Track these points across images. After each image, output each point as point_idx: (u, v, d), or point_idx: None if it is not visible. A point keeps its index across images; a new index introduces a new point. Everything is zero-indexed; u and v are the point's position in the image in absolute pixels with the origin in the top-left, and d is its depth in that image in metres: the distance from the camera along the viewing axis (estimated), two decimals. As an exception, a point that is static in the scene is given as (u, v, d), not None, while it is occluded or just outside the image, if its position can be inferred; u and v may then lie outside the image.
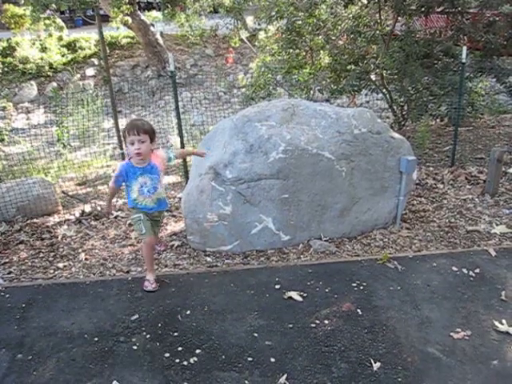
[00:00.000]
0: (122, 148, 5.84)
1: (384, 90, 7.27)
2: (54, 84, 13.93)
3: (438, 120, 7.90)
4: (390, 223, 4.50)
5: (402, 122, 7.48)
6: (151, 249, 3.61)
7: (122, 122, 6.43)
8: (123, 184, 3.44)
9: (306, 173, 4.00)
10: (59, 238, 4.64)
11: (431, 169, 6.07)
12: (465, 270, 3.67)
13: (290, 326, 3.05)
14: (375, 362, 2.70)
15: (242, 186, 3.90)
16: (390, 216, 4.46)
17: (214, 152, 4.08)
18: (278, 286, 3.48)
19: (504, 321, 3.07)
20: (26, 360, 2.83)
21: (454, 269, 3.70)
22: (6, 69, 13.40)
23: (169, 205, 3.92)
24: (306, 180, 4.01)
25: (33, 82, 13.67)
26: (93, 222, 4.97)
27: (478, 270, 3.69)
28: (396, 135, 4.44)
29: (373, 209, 4.34)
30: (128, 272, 3.90)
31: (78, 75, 14.45)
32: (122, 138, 3.47)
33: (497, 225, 4.56)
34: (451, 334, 2.96)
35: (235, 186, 3.90)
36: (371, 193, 4.29)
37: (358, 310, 3.19)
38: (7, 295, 3.56)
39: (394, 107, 7.47)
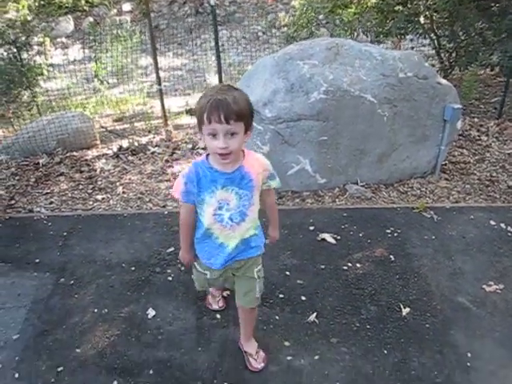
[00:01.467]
0: (159, 83, 5.80)
1: (432, 35, 6.88)
2: (91, 19, 13.74)
3: (487, 69, 7.48)
4: (429, 173, 4.39)
5: (449, 70, 7.11)
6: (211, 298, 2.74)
7: (160, 60, 6.34)
8: (193, 202, 1.99)
9: (347, 115, 3.89)
10: (97, 171, 4.74)
11: (476, 120, 5.83)
12: (503, 225, 3.59)
13: (322, 266, 3.08)
14: (404, 308, 2.72)
15: (281, 126, 3.83)
16: (429, 165, 4.34)
17: (254, 89, 3.99)
18: (311, 228, 3.50)
19: (539, 279, 3.02)
20: (68, 284, 2.98)
21: (492, 223, 3.62)
22: (42, 1, 13.25)
23: (263, 247, 2.18)
24: (346, 123, 3.91)
25: (70, 17, 13.53)
26: (130, 157, 5.03)
27: (516, 225, 3.60)
28: (443, 81, 4.24)
29: (412, 157, 4.23)
30: (164, 206, 3.97)
31: (115, 10, 14.20)
32: (197, 122, 1.83)
33: (540, 182, 4.40)
34: (483, 286, 2.94)
35: (274, 125, 3.84)
36: (412, 140, 4.17)
37: (391, 256, 3.18)
38: (50, 223, 3.70)
39: (442, 54, 7.10)
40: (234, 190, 1.91)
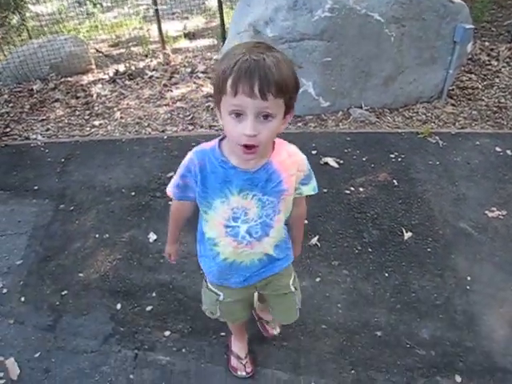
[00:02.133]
0: (155, 3, 5.50)
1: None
2: None
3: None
4: (435, 97, 4.25)
5: (461, -10, 6.74)
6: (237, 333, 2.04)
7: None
8: (191, 199, 1.46)
9: (352, 35, 3.70)
10: (94, 96, 4.60)
11: (487, 44, 5.57)
12: (509, 152, 3.52)
13: (325, 190, 3.04)
14: (406, 232, 2.71)
15: (283, 46, 3.65)
16: (436, 89, 4.19)
17: (255, 8, 3.78)
18: (314, 152, 3.43)
19: (542, 204, 3.00)
20: (68, 210, 2.96)
21: (498, 149, 3.54)
22: None
23: (291, 259, 1.66)
24: (351, 43, 3.73)
25: None
26: (127, 82, 4.87)
27: (522, 153, 3.54)
28: (455, -1, 4.00)
29: (419, 80, 4.07)
30: (163, 131, 3.89)
31: None
32: (214, 91, 1.24)
33: (550, 107, 4.27)
34: (486, 212, 2.92)
35: (276, 45, 3.63)
36: (419, 63, 3.99)
37: (394, 181, 3.14)
38: (47, 150, 3.63)
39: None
40: (256, 195, 1.35)
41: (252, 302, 1.77)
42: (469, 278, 2.45)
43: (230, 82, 1.12)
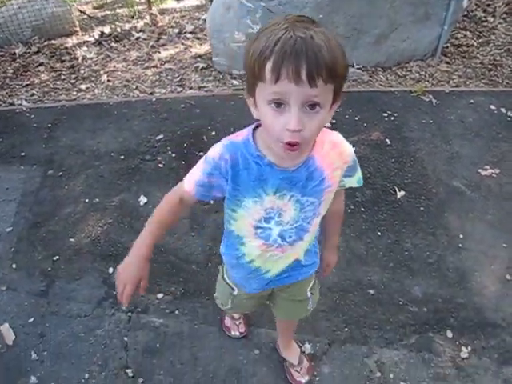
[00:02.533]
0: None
1: None
2: None
3: None
4: (429, 55, 4.16)
5: None
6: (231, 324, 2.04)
7: None
8: (216, 199, 1.25)
9: (344, -9, 3.57)
10: (79, 59, 4.47)
11: (483, -1, 5.45)
12: (503, 110, 3.48)
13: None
14: (399, 191, 2.70)
15: (273, 3, 3.52)
16: (430, 47, 4.10)
17: (243, -38, 3.63)
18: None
19: (535, 162, 2.99)
20: (56, 176, 2.91)
21: (492, 107, 3.50)
22: None
23: (317, 266, 1.49)
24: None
25: None
26: (113, 44, 4.73)
27: (517, 111, 3.50)
28: (452, -51, 3.85)
29: (412, 37, 3.97)
30: (152, 93, 3.80)
31: None
32: (248, 76, 1.00)
33: (546, 64, 4.20)
34: (479, 170, 2.90)
35: (265, 2, 3.53)
36: (413, 19, 3.88)
37: (387, 140, 3.10)
38: (32, 116, 3.55)
39: None
40: (295, 196, 1.16)
41: (266, 298, 1.59)
42: (461, 236, 2.46)
43: (270, 65, 0.90)
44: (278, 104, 0.94)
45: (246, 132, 1.14)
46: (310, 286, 1.52)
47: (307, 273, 1.43)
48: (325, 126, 1.06)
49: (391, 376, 1.90)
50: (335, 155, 1.16)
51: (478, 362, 1.95)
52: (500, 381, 1.89)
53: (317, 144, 1.12)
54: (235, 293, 1.51)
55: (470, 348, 1.99)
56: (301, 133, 0.95)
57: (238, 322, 2.00)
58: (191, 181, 1.19)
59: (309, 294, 1.53)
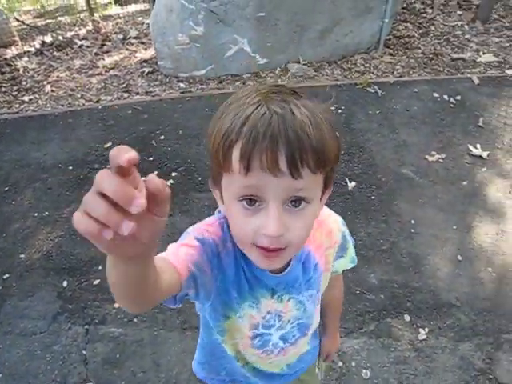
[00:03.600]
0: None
1: None
2: None
3: None
4: (373, 48, 4.26)
5: None
6: None
7: None
8: (186, 300, 0.85)
9: (285, -12, 3.61)
10: (21, 70, 4.33)
11: (420, -8, 5.62)
12: (446, 97, 3.60)
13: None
14: (350, 182, 2.74)
15: (214, 3, 3.53)
16: (372, 40, 4.20)
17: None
18: (254, 111, 3.38)
19: (478, 145, 3.11)
20: (2, 191, 2.81)
21: (435, 95, 3.62)
22: None
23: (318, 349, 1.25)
24: (284, -4, 3.65)
25: None
26: (56, 53, 4.61)
27: (459, 97, 3.62)
28: None
29: (355, 31, 4.06)
30: (98, 101, 3.72)
31: None
32: (211, 162, 0.75)
33: (484, 53, 4.36)
34: (426, 156, 2.99)
35: (206, 3, 3.53)
36: (354, 14, 3.97)
37: (336, 133, 3.14)
38: (-27, 130, 3.41)
39: None
40: (294, 298, 0.96)
41: None
42: (412, 222, 2.52)
43: (237, 152, 0.68)
44: (251, 201, 0.71)
45: (220, 225, 0.86)
46: (316, 362, 1.30)
47: (311, 361, 1.22)
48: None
49: (353, 364, 1.93)
50: (323, 236, 0.95)
51: (436, 342, 2.00)
52: (457, 358, 1.94)
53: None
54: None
55: (427, 329, 2.04)
56: (284, 237, 0.72)
57: None
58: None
59: (316, 370, 1.33)
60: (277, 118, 0.67)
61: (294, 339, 1.03)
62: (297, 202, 0.71)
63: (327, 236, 0.95)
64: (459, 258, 2.37)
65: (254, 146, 0.66)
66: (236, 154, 0.68)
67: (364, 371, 1.87)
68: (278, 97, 0.70)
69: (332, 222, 0.97)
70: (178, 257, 0.79)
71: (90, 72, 4.19)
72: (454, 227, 2.53)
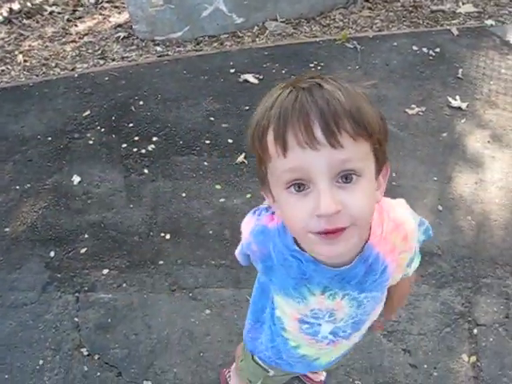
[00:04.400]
0: None
1: None
2: None
3: None
4: (351, 3, 4.18)
5: None
6: None
7: None
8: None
9: None
10: (-11, 40, 4.18)
11: None
12: (425, 50, 3.58)
13: (246, 108, 3.00)
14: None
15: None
16: (350, -6, 4.13)
17: None
18: (232, 70, 3.34)
19: (458, 97, 3.12)
20: (-19, 163, 2.77)
21: (415, 48, 3.60)
22: None
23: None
24: (258, -49, 3.55)
25: None
26: (25, 21, 4.43)
27: (438, 50, 3.61)
28: None
29: (333, -14, 3.99)
30: (73, 70, 3.63)
31: None
32: (256, 156, 0.75)
33: (463, 3, 4.31)
34: (406, 110, 3.00)
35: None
36: (331, -33, 3.89)
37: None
38: None
39: None
40: (350, 295, 0.89)
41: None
42: (394, 175, 2.55)
43: (270, 135, 0.68)
44: (298, 186, 0.68)
45: (279, 219, 0.85)
46: None
47: (347, 352, 1.16)
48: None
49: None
50: (398, 240, 0.87)
51: (418, 289, 2.06)
52: (438, 303, 2.01)
53: (374, 225, 0.83)
54: (271, 374, 1.22)
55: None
56: (341, 214, 0.67)
57: None
58: (237, 251, 1.03)
59: None
60: (303, 92, 0.66)
61: (345, 334, 0.99)
62: (347, 177, 0.67)
63: (403, 240, 0.88)
64: (440, 208, 2.42)
65: (285, 123, 0.65)
66: (270, 137, 0.68)
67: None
68: (305, 78, 0.70)
69: (409, 224, 0.89)
70: (237, 252, 1.02)
71: (63, 39, 4.06)
72: (435, 178, 2.57)
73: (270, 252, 0.86)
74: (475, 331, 1.91)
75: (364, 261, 0.83)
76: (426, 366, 1.80)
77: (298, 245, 0.82)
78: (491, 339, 1.89)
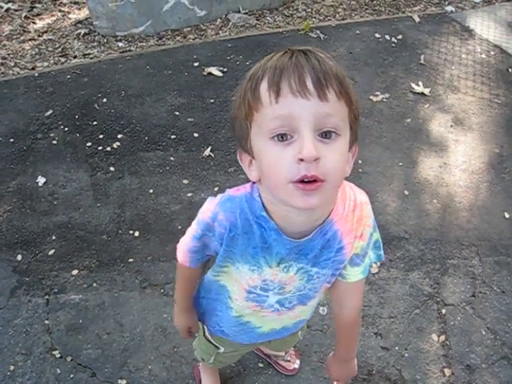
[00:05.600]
0: None
1: None
2: None
3: None
4: (314, -8, 4.21)
5: None
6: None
7: None
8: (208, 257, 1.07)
9: None
10: None
11: None
12: (387, 37, 3.63)
13: (212, 101, 2.98)
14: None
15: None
16: (313, -16, 4.14)
17: None
18: (196, 64, 3.31)
19: (420, 83, 3.18)
20: None
21: (377, 36, 3.64)
22: None
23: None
24: None
25: None
26: (-22, 19, 4.31)
27: (400, 36, 3.67)
28: None
29: (294, -25, 3.99)
30: (33, 68, 3.53)
31: None
32: (238, 112, 0.81)
33: (423, -10, 4.39)
34: (371, 97, 3.05)
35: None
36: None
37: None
38: None
39: None
40: (304, 268, 0.94)
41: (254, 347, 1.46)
42: (360, 162, 2.59)
43: (265, 83, 0.74)
44: (282, 136, 0.73)
45: (248, 186, 0.90)
46: (304, 326, 1.35)
47: (303, 323, 1.22)
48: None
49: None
50: (354, 220, 0.91)
51: (387, 274, 2.10)
52: (407, 286, 2.05)
53: (337, 203, 0.88)
54: (221, 351, 1.30)
55: (378, 263, 2.14)
56: (319, 165, 0.72)
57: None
58: (181, 251, 1.05)
59: (299, 333, 1.39)
60: (299, 53, 0.74)
61: (291, 305, 1.04)
62: (327, 134, 0.73)
63: (357, 222, 0.91)
64: (406, 192, 2.46)
65: (281, 73, 0.72)
66: (264, 85, 0.74)
67: (321, 308, 1.95)
68: (303, 49, 0.77)
69: (368, 210, 0.94)
70: (181, 253, 1.05)
71: (22, 38, 3.95)
72: (400, 164, 2.62)
73: (236, 219, 0.89)
74: (443, 311, 1.96)
75: (323, 234, 0.88)
76: (397, 347, 1.84)
77: (264, 213, 0.86)
78: (459, 318, 1.94)
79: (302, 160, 0.70)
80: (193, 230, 0.99)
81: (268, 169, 0.76)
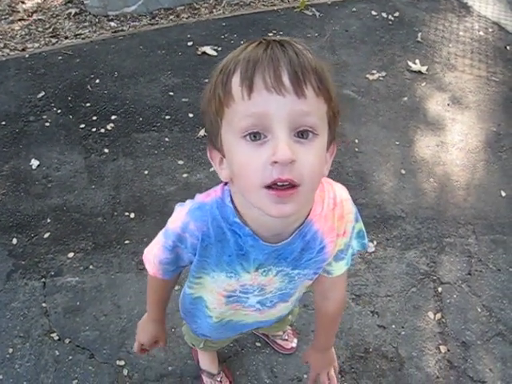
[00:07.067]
0: None
1: None
2: None
3: None
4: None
5: None
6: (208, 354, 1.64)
7: None
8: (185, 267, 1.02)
9: None
10: None
11: None
12: (384, 14, 3.58)
13: (206, 80, 2.88)
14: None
15: None
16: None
17: None
18: (190, 43, 3.26)
19: (417, 61, 3.14)
20: None
21: (374, 13, 3.59)
22: None
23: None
24: None
25: None
26: (-32, 0, 4.22)
27: (397, 14, 3.62)
28: None
29: (289, -49, 3.90)
30: (24, 50, 3.47)
31: None
32: (207, 108, 0.76)
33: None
34: (367, 76, 3.02)
35: None
36: None
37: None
38: None
39: None
40: (283, 271, 0.91)
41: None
42: (356, 141, 2.57)
43: (237, 76, 0.67)
44: (255, 135, 0.67)
45: (219, 189, 0.84)
46: (292, 312, 1.32)
47: (286, 311, 1.17)
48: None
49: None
50: (335, 218, 0.87)
51: (384, 252, 2.11)
52: (404, 265, 2.06)
53: (316, 202, 0.84)
54: (209, 339, 1.30)
55: (375, 242, 2.14)
56: (295, 167, 0.66)
57: (219, 378, 1.63)
58: (151, 264, 1.00)
59: (289, 316, 1.36)
60: (274, 43, 0.68)
61: (272, 304, 1.03)
62: (304, 133, 0.67)
63: (339, 220, 0.88)
64: (402, 171, 2.45)
65: (254, 66, 0.66)
66: (236, 79, 0.67)
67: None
68: (278, 40, 0.71)
69: (349, 207, 0.90)
70: (152, 265, 1.01)
71: (11, 18, 3.87)
72: (397, 143, 2.60)
73: (208, 228, 0.84)
74: (440, 289, 1.97)
75: (302, 236, 0.84)
76: (393, 326, 1.85)
77: (238, 219, 0.82)
78: (455, 296, 1.95)
79: (275, 162, 0.65)
80: (162, 240, 0.93)
81: (239, 170, 0.70)
